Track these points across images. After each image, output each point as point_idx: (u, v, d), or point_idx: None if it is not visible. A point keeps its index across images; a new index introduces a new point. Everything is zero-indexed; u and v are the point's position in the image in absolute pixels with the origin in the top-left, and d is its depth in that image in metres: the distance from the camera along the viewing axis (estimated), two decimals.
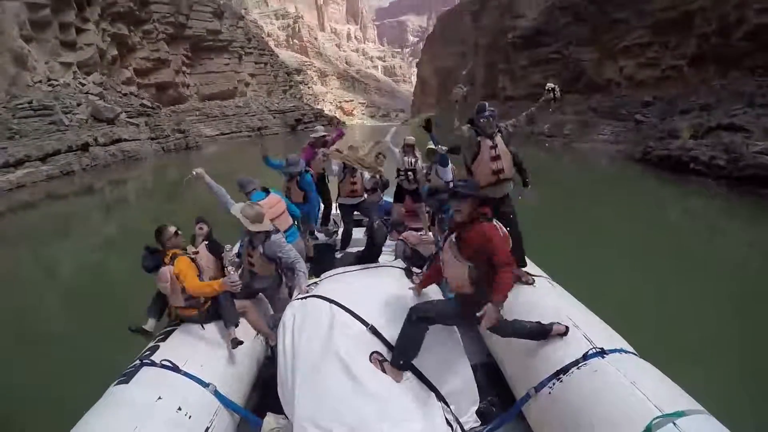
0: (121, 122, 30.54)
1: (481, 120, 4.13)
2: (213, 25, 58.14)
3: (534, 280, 4.00)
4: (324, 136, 7.15)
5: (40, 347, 6.53)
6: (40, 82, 28.86)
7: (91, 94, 31.10)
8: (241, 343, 3.50)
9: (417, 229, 6.37)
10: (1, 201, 17.77)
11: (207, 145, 43.33)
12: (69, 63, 32.70)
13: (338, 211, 7.07)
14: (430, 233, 5.72)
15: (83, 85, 32.11)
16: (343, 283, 3.97)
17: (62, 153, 22.89)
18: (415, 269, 4.45)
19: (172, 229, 3.77)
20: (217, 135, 49.27)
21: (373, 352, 3.17)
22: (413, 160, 6.61)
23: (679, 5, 30.61)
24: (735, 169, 14.44)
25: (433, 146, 6.06)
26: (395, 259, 5.14)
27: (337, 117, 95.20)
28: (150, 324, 3.86)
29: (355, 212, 6.71)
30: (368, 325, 3.34)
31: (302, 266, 4.03)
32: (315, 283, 3.99)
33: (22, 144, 21.27)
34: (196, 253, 3.97)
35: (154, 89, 47.34)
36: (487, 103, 4.51)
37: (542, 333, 3.19)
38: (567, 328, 3.18)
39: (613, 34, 37.55)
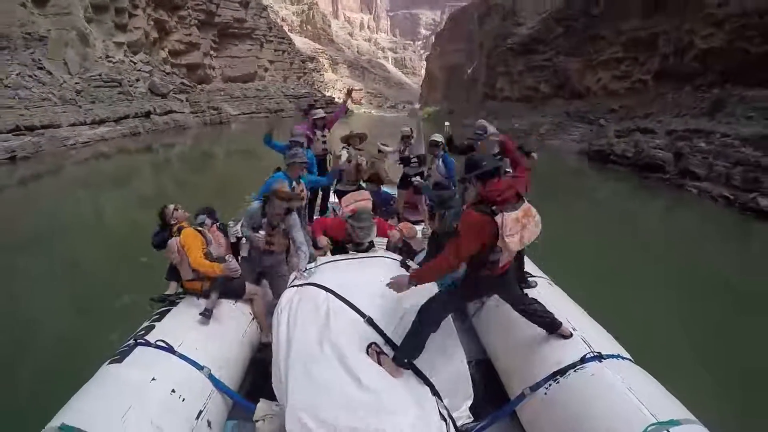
0: (171, 97, 36.05)
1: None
2: (239, 14, 63.01)
3: (536, 283, 3.98)
4: (324, 117, 6.87)
5: (71, 296, 7.11)
6: (101, 58, 34.10)
7: (143, 71, 36.53)
8: (210, 315, 3.55)
9: (415, 222, 6.28)
10: (89, 150, 23.18)
11: (230, 122, 48.30)
12: (121, 43, 37.80)
13: (335, 199, 6.73)
14: (429, 227, 5.38)
15: (134, 63, 37.45)
16: (340, 272, 3.94)
17: (130, 118, 28.72)
18: (408, 261, 4.40)
19: (171, 206, 3.92)
20: (238, 114, 53.83)
21: (370, 344, 3.17)
22: (405, 148, 6.80)
23: (648, 27, 35.25)
24: (637, 159, 19.98)
25: (436, 139, 6.19)
26: (386, 249, 5.02)
27: (347, 106, 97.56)
28: (171, 288, 3.98)
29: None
30: (365, 316, 3.35)
31: (305, 250, 4.18)
32: (311, 268, 4.01)
33: (102, 108, 27.01)
34: (210, 228, 4.17)
35: (185, 69, 51.79)
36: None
37: (551, 325, 3.18)
38: (571, 333, 3.17)
39: (594, 48, 42.16)
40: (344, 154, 6.42)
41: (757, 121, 18.75)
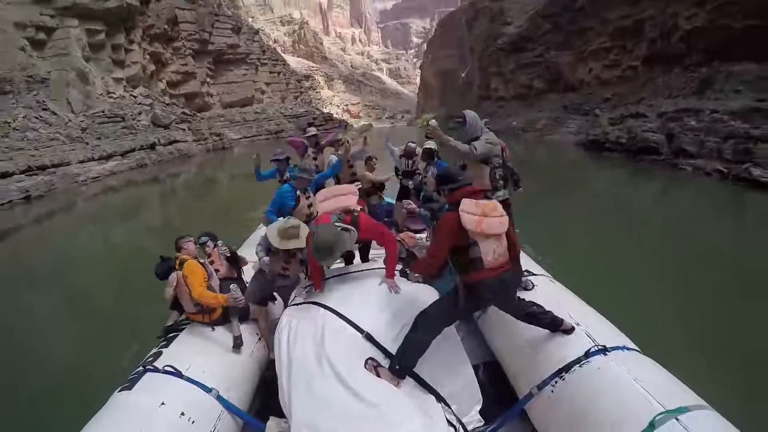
0: (173, 127, 36.95)
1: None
2: (232, 40, 63.92)
3: (533, 284, 3.98)
4: (315, 134, 7.13)
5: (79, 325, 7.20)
6: (102, 95, 34.99)
7: (144, 105, 37.46)
8: (242, 344, 3.65)
9: (418, 231, 6.29)
10: (99, 185, 23.76)
11: (233, 147, 48.82)
12: (120, 78, 38.50)
13: None
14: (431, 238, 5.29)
15: (134, 97, 38.38)
16: (338, 288, 3.91)
17: (136, 150, 29.52)
18: (409, 270, 4.36)
19: (191, 239, 4.02)
20: (240, 138, 54.42)
21: (368, 359, 3.18)
22: (410, 162, 6.76)
23: (633, 15, 35.96)
24: (632, 144, 20.42)
25: (430, 147, 6.17)
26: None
27: (345, 120, 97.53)
28: (171, 318, 3.96)
29: None
30: (363, 332, 3.35)
31: None
32: (310, 286, 3.98)
33: (108, 143, 27.83)
34: (210, 259, 4.26)
35: (184, 99, 52.60)
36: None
37: (553, 323, 3.21)
38: (573, 327, 3.20)
39: (583, 40, 42.93)
40: (333, 158, 6.45)
41: (744, 94, 19.18)
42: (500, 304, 3.33)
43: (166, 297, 3.81)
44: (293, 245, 3.85)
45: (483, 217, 2.94)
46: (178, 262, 3.79)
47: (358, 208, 3.93)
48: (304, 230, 3.89)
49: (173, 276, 3.72)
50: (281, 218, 4.09)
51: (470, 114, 4.12)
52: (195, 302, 3.66)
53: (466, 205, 2.96)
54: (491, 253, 2.97)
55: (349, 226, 3.63)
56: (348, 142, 6.24)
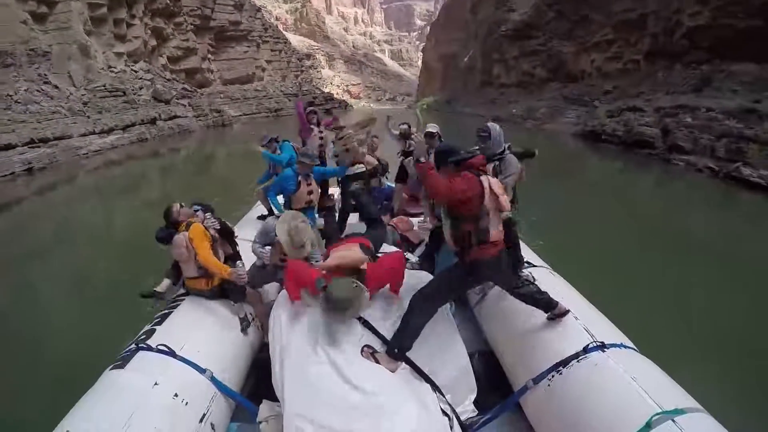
0: (174, 102, 37.09)
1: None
2: (234, 16, 63.53)
3: (534, 277, 3.91)
4: (316, 112, 6.91)
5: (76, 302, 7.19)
6: (103, 69, 34.96)
7: (145, 79, 37.48)
8: (249, 326, 3.68)
9: (417, 214, 6.26)
10: (100, 158, 24.03)
11: (232, 124, 48.85)
12: (121, 53, 38.46)
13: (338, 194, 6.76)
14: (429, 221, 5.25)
15: (135, 72, 38.35)
16: None
17: (137, 125, 29.85)
18: (407, 254, 4.30)
19: (177, 204, 3.79)
20: (239, 115, 54.19)
21: (364, 346, 3.16)
22: (407, 143, 6.61)
23: (636, 8, 35.80)
24: (628, 137, 20.77)
25: (431, 130, 5.88)
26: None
27: (345, 100, 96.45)
28: (163, 285, 3.84)
29: (355, 183, 6.30)
30: (360, 318, 3.33)
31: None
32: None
33: (109, 117, 28.11)
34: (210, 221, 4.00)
35: (184, 74, 52.28)
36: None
37: (547, 305, 3.22)
38: (567, 310, 3.21)
39: (586, 31, 42.73)
40: (331, 150, 6.36)
41: (741, 94, 19.49)
42: (497, 281, 3.40)
43: (179, 259, 3.70)
44: (305, 252, 3.85)
45: (503, 195, 3.04)
46: (184, 224, 3.67)
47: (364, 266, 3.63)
48: (309, 235, 3.89)
49: (180, 237, 3.58)
50: (284, 215, 4.08)
51: (495, 128, 3.97)
52: (198, 266, 3.59)
53: (498, 188, 3.01)
54: (496, 226, 3.03)
55: (363, 286, 3.30)
56: (355, 145, 6.05)
